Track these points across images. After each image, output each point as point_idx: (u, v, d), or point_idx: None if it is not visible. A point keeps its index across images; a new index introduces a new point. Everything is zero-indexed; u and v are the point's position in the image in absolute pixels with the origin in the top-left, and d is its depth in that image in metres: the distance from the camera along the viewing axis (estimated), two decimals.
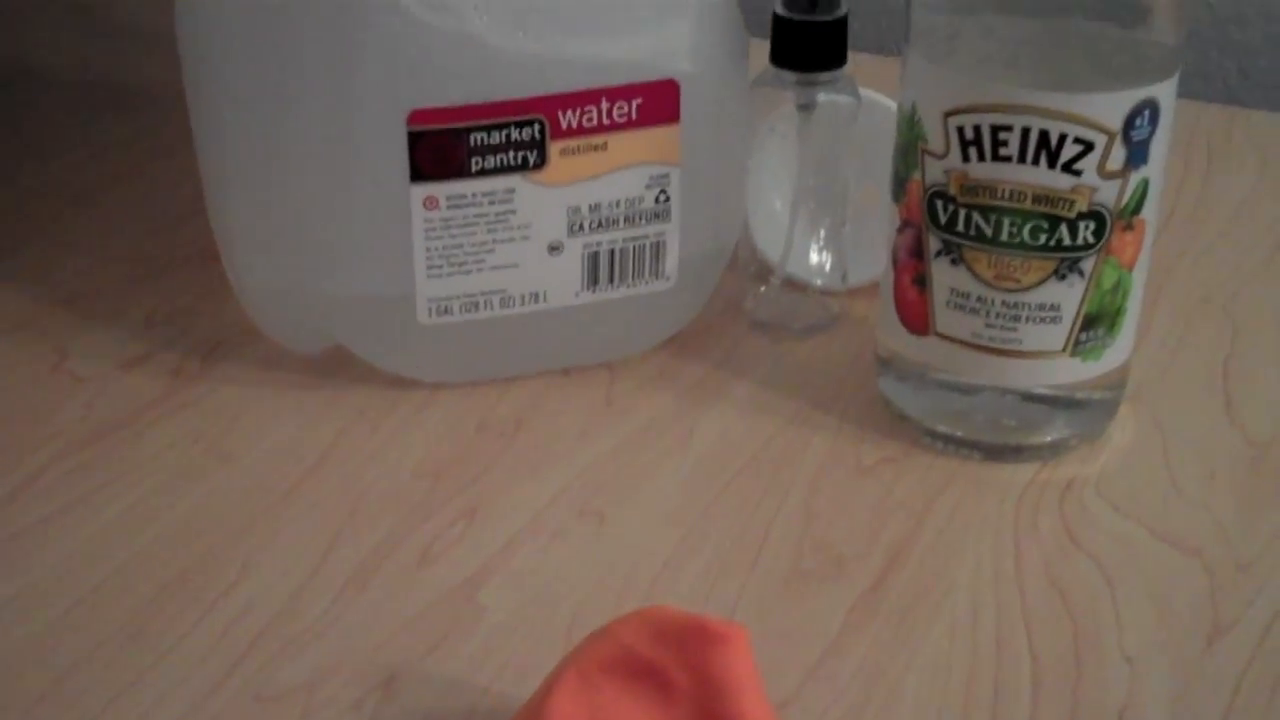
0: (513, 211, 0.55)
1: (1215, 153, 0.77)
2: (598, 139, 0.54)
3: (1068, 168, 0.49)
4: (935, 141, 0.51)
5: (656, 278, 0.57)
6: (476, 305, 0.56)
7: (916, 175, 0.52)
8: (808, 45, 0.57)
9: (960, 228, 0.51)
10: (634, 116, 0.54)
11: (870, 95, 0.61)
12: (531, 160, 0.54)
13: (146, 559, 0.50)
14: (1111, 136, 0.49)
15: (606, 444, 0.55)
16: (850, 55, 0.59)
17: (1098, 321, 0.52)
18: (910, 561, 0.50)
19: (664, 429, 0.56)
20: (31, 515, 0.52)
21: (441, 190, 0.54)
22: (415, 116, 0.52)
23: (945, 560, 0.50)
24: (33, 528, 0.51)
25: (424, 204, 0.54)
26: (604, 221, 0.56)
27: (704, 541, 0.51)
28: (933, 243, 0.52)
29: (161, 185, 0.72)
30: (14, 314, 0.62)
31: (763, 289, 0.62)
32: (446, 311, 0.56)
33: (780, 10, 0.57)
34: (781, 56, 0.58)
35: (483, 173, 0.54)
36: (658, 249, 0.57)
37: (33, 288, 0.64)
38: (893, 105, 0.55)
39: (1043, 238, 0.50)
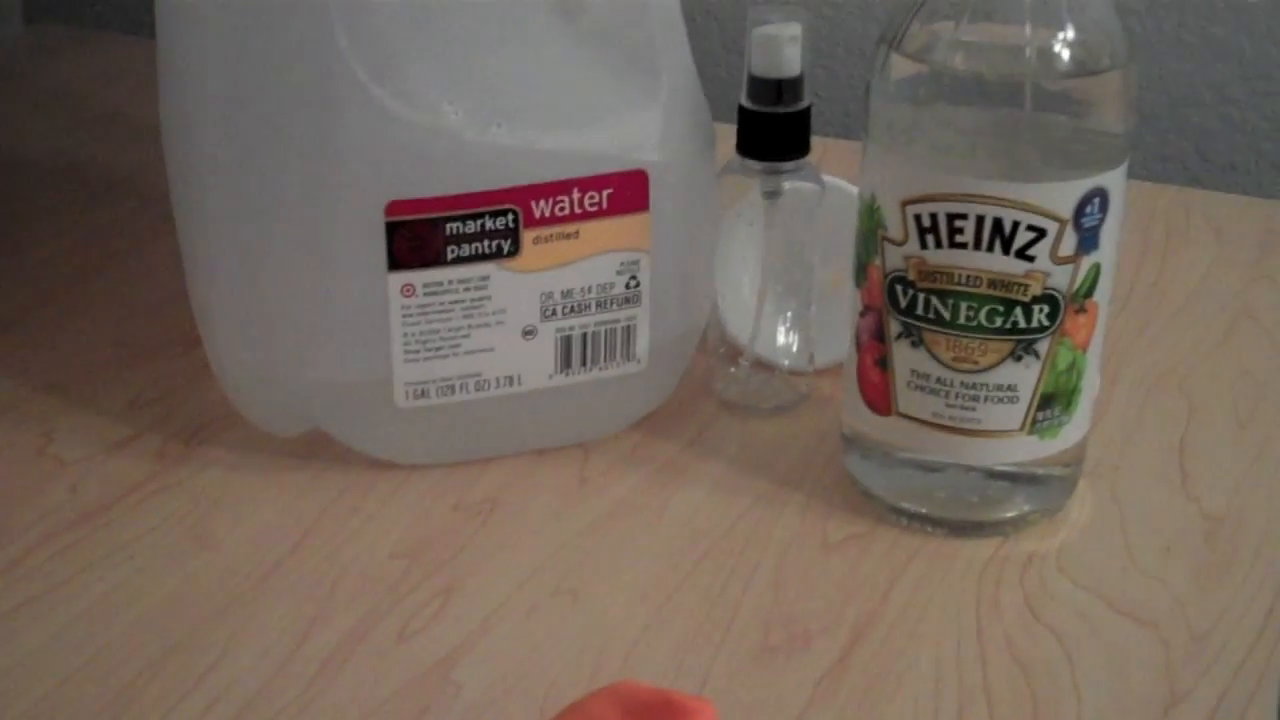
0: (488, 298, 0.56)
1: (1173, 232, 0.79)
2: (570, 227, 0.56)
3: (1021, 254, 0.51)
4: (894, 229, 0.53)
5: (628, 360, 0.59)
6: (453, 388, 0.57)
7: (877, 261, 0.54)
8: (773, 136, 0.59)
9: (920, 311, 0.53)
10: (605, 205, 0.56)
11: (833, 181, 0.63)
12: (505, 248, 0.56)
13: (129, 640, 0.51)
14: (1063, 224, 0.51)
15: (580, 523, 0.57)
16: (818, 140, 0.61)
17: (1054, 401, 0.54)
18: (875, 636, 0.51)
19: (636, 508, 0.58)
20: (17, 596, 0.53)
21: (418, 278, 0.55)
22: (393, 207, 0.54)
23: (909, 635, 0.51)
24: (18, 609, 0.52)
25: (401, 291, 0.55)
26: (576, 307, 0.57)
27: (674, 618, 0.52)
28: (893, 326, 0.54)
29: (145, 271, 0.73)
30: (0, 398, 0.64)
31: (732, 370, 0.64)
32: (423, 395, 0.57)
33: (745, 102, 0.59)
34: (747, 146, 0.60)
35: (458, 261, 0.55)
36: (629, 333, 0.59)
37: (19, 372, 0.65)
38: (854, 191, 0.57)
39: (999, 321, 0.52)
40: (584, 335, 0.58)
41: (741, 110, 0.59)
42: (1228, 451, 0.61)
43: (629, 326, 0.58)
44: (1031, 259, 0.51)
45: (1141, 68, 0.86)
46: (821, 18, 0.92)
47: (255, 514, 0.57)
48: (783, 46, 0.58)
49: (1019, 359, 0.53)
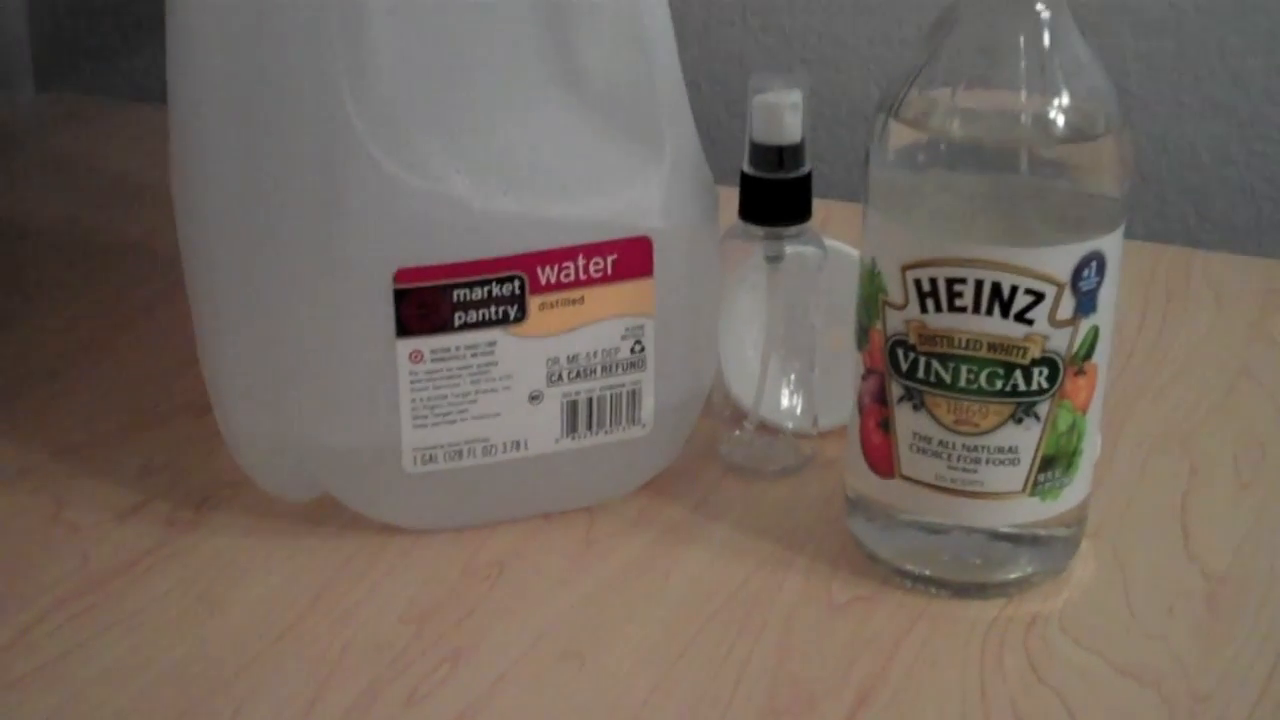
0: (494, 363, 0.57)
1: (1174, 293, 0.79)
2: (575, 293, 0.57)
3: (1020, 317, 0.52)
4: (895, 293, 0.53)
5: (633, 424, 0.60)
6: (460, 454, 0.58)
7: (878, 325, 0.54)
8: (774, 201, 0.60)
9: (921, 375, 0.54)
10: (610, 271, 0.57)
11: (835, 245, 0.63)
12: (512, 314, 0.56)
13: (140, 706, 0.51)
14: (1060, 287, 0.52)
15: (586, 586, 0.57)
16: (822, 202, 0.61)
17: (1055, 463, 0.54)
18: (880, 699, 0.51)
19: (642, 571, 0.58)
20: (29, 662, 0.53)
21: (426, 344, 0.56)
22: (401, 275, 0.55)
23: (914, 697, 0.52)
24: (30, 675, 0.52)
25: (409, 358, 0.56)
26: (582, 372, 0.58)
27: (681, 681, 0.52)
28: (895, 389, 0.54)
29: (155, 338, 0.74)
30: (12, 464, 0.64)
31: (737, 433, 0.64)
32: (431, 460, 0.58)
33: (747, 168, 0.60)
34: (750, 212, 0.61)
35: (466, 327, 0.56)
36: (634, 397, 0.59)
37: (30, 438, 0.66)
38: (856, 254, 0.58)
39: (999, 384, 0.53)
40: (590, 400, 0.59)
41: (743, 176, 0.60)
42: (1230, 512, 0.61)
43: (634, 391, 0.59)
44: (1030, 322, 0.52)
45: (1139, 128, 0.87)
46: (824, 81, 0.93)
47: (265, 580, 0.57)
48: (783, 114, 0.59)
49: (1019, 421, 0.53)
